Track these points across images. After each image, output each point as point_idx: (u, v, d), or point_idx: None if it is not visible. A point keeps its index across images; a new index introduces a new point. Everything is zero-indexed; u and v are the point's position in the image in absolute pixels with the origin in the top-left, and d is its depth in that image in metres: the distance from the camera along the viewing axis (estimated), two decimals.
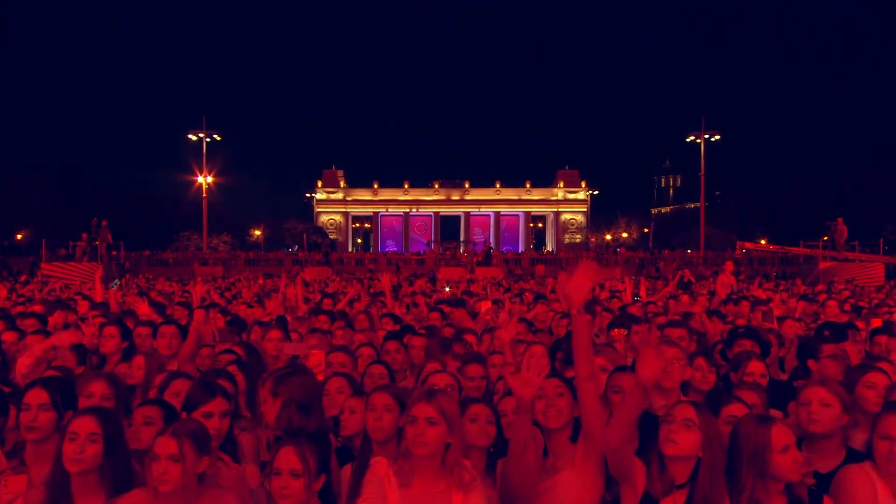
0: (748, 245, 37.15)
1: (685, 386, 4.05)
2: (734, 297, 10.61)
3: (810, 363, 4.64)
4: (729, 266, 13.92)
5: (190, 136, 50.75)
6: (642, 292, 14.04)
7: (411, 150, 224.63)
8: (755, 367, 4.29)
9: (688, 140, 55.49)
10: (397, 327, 6.95)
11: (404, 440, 2.82)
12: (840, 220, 26.30)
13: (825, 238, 28.03)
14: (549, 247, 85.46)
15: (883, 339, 5.31)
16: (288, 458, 2.71)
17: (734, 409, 3.25)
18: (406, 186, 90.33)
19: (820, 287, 17.31)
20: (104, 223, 27.82)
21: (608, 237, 78.81)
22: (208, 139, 51.07)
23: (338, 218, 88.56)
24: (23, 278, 23.85)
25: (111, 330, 5.38)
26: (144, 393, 4.27)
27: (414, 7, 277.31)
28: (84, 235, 28.11)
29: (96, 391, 3.60)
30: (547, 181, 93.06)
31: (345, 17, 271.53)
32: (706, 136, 54.17)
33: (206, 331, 5.64)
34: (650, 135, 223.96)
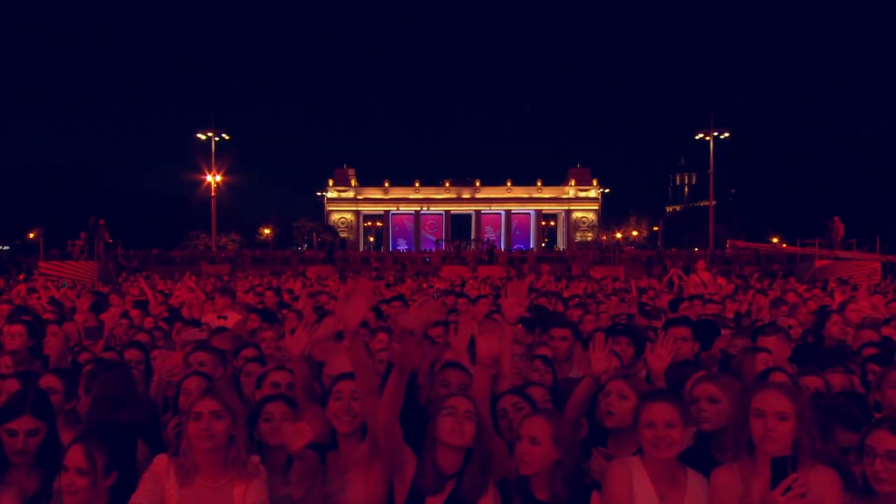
0: (739, 244, 36.81)
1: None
2: (707, 296, 10.61)
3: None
4: (701, 265, 13.82)
5: (199, 135, 51.31)
6: (633, 291, 14.09)
7: (422, 148, 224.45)
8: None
9: (697, 138, 55.22)
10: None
11: (185, 435, 2.89)
12: (836, 218, 26.01)
13: (817, 239, 27.65)
14: (562, 245, 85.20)
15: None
16: (75, 456, 2.77)
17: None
18: (417, 185, 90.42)
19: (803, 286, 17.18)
20: (101, 222, 28.22)
21: (619, 235, 78.33)
22: (217, 138, 51.61)
23: (349, 216, 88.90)
24: (21, 277, 24.27)
25: (18, 328, 5.51)
26: None
27: (425, 5, 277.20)
28: (82, 234, 28.51)
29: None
30: (558, 180, 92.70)
31: (355, 16, 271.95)
32: (715, 134, 53.84)
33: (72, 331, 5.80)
34: (665, 133, 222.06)
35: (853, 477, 2.91)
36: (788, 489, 2.52)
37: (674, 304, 8.96)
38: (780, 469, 2.57)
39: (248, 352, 5.35)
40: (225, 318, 8.89)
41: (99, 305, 9.16)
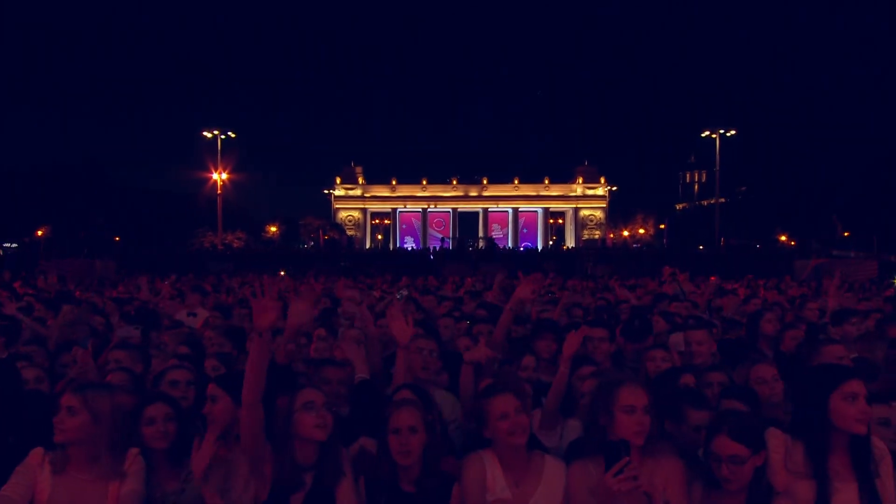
0: (733, 241, 36.64)
1: None
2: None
3: None
4: (666, 270, 13.85)
5: (205, 133, 51.66)
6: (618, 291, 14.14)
7: (429, 145, 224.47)
8: (528, 362, 4.64)
9: (703, 135, 54.98)
10: None
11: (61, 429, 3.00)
12: (834, 216, 25.86)
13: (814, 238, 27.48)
14: (570, 243, 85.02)
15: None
16: None
17: None
18: (424, 183, 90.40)
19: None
20: (100, 220, 28.52)
21: (625, 233, 78.08)
22: (223, 136, 51.96)
23: (356, 214, 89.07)
24: (23, 273, 24.57)
25: None
26: None
27: (433, 3, 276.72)
28: (82, 233, 28.84)
29: None
30: (566, 177, 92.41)
31: (363, 14, 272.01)
32: (721, 132, 53.57)
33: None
34: (675, 130, 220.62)
35: (700, 465, 2.99)
36: (620, 472, 2.61)
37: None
38: (614, 454, 2.66)
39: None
40: (194, 315, 9.06)
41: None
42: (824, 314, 8.12)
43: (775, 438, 2.87)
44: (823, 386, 2.85)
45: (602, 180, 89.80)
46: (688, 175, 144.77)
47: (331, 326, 6.22)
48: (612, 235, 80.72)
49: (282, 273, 26.47)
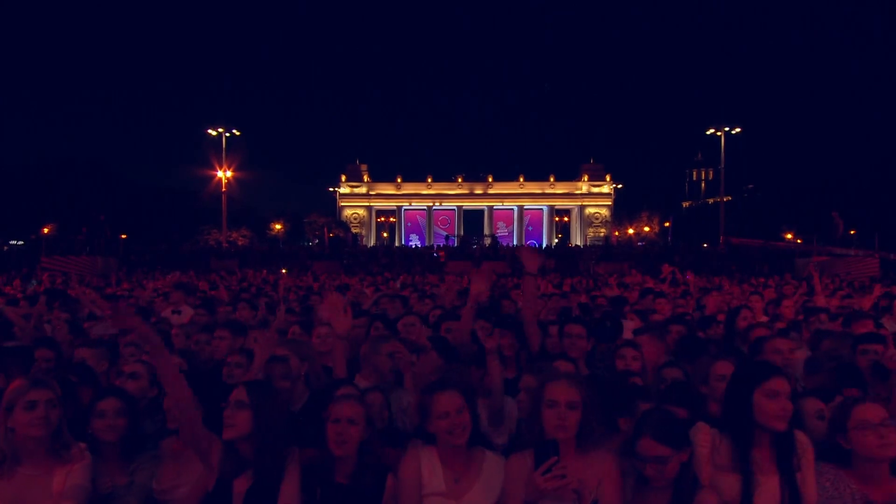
0: (734, 240, 36.49)
1: None
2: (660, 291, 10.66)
3: None
4: (665, 268, 13.91)
5: (210, 130, 51.80)
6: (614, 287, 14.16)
7: (434, 143, 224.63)
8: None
9: (708, 133, 54.73)
10: None
11: (8, 425, 3.05)
12: (835, 213, 25.71)
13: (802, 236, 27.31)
14: (575, 241, 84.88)
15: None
16: None
17: None
18: (429, 180, 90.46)
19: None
20: (101, 217, 28.72)
21: (630, 231, 77.89)
22: (228, 134, 52.09)
23: (361, 212, 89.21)
24: (24, 271, 24.78)
25: None
26: None
27: (439, 1, 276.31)
28: (83, 230, 29.03)
29: None
30: (571, 175, 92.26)
31: (368, 11, 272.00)
32: (727, 129, 53.34)
33: None
34: (682, 128, 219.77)
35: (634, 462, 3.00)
36: (549, 470, 2.65)
37: (619, 301, 9.02)
38: (544, 453, 2.70)
39: None
40: (179, 312, 9.14)
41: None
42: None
43: (703, 433, 2.92)
44: (748, 382, 2.90)
45: (608, 178, 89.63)
46: (695, 173, 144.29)
47: (305, 323, 6.28)
48: (616, 233, 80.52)
49: (283, 271, 26.53)
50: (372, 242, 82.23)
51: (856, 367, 4.12)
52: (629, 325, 6.39)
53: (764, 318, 7.12)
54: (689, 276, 15.67)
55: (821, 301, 9.47)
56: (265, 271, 23.88)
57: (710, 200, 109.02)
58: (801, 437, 2.93)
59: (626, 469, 2.94)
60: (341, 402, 3.18)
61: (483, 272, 5.19)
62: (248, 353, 4.73)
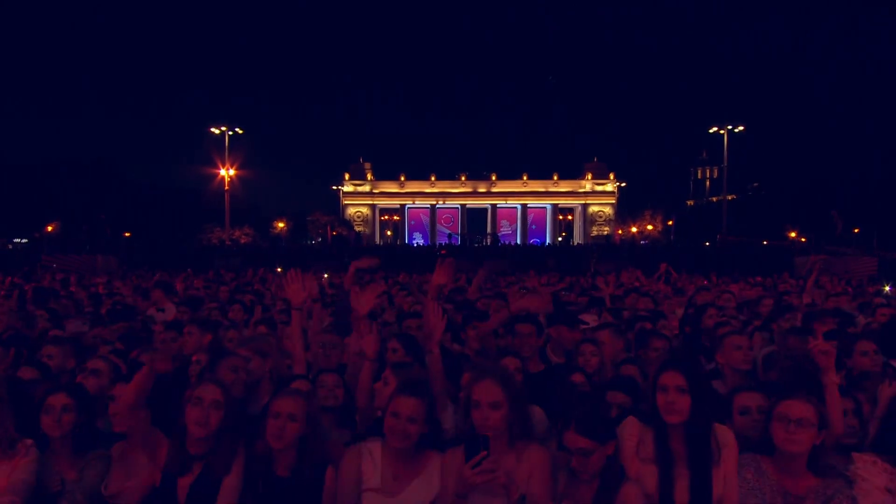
0: (730, 238, 36.41)
1: None
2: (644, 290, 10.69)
3: None
4: (662, 266, 13.93)
5: (213, 129, 51.96)
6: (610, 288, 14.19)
7: (438, 142, 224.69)
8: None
9: (711, 131, 54.62)
10: None
11: None
12: (835, 212, 25.65)
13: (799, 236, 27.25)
14: (579, 239, 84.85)
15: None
16: None
17: None
18: (433, 179, 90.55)
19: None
20: (102, 216, 28.87)
21: (634, 230, 77.80)
22: (230, 132, 52.22)
23: (365, 210, 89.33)
24: (25, 269, 24.91)
25: None
26: None
27: (442, 0, 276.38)
28: (84, 228, 29.18)
29: None
30: (575, 173, 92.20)
31: (371, 10, 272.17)
32: (730, 128, 53.22)
33: None
34: (685, 126, 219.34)
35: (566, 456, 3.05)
36: (478, 465, 2.70)
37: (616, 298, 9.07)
38: (474, 447, 2.75)
39: None
40: (163, 310, 9.21)
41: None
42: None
43: (631, 426, 2.99)
44: (654, 376, 2.98)
45: (611, 176, 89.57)
46: (699, 171, 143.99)
47: (270, 321, 6.35)
48: (620, 232, 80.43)
49: (278, 270, 26.56)
50: (377, 241, 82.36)
51: (809, 364, 4.13)
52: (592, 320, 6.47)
53: (740, 316, 7.14)
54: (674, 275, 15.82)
55: (807, 299, 9.46)
56: (262, 270, 23.90)
57: (715, 199, 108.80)
58: (721, 431, 2.97)
59: (559, 462, 2.98)
60: (282, 398, 3.24)
61: (446, 265, 5.24)
62: (214, 350, 4.78)
